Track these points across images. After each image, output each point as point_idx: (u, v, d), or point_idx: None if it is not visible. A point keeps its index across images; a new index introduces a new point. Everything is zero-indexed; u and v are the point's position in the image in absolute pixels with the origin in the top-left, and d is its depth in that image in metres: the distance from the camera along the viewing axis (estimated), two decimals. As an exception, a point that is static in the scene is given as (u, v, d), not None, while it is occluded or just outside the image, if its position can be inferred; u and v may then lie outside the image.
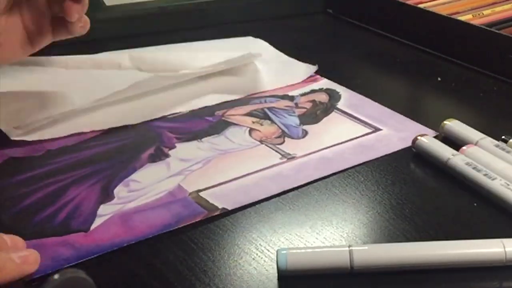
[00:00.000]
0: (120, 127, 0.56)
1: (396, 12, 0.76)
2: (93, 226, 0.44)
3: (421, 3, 0.76)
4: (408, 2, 0.75)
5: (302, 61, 0.68)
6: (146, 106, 0.59)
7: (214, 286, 0.39)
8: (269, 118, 0.58)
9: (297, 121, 0.57)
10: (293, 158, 0.52)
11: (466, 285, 0.39)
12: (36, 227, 0.44)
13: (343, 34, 0.65)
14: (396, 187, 0.48)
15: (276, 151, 0.53)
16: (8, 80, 0.60)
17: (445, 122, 0.54)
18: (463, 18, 0.71)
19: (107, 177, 0.49)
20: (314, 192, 0.48)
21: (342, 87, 0.63)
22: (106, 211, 0.46)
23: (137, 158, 0.52)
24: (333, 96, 0.62)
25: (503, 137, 0.52)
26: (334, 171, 0.50)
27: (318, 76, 0.66)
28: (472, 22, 0.69)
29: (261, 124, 0.57)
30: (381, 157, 0.52)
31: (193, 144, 0.54)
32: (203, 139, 0.55)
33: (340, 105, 0.60)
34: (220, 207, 0.46)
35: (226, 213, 0.45)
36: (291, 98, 0.61)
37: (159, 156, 0.52)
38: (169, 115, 0.59)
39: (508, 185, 0.45)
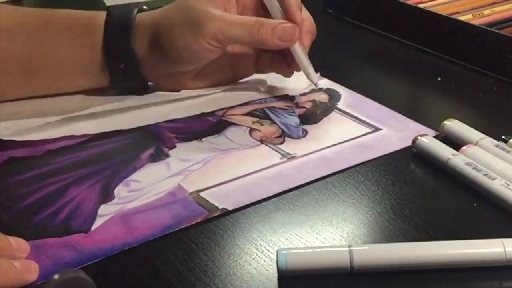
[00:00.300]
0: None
1: (396, 12, 0.76)
2: (93, 227, 0.44)
3: (421, 3, 0.76)
4: (408, 2, 0.75)
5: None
6: (146, 113, 0.58)
7: (214, 286, 0.39)
8: (269, 118, 0.58)
9: (297, 121, 0.57)
10: (293, 158, 0.52)
11: (466, 285, 0.39)
12: (36, 227, 0.44)
13: (343, 34, 0.65)
14: (396, 187, 0.48)
15: (276, 151, 0.53)
16: None
17: (445, 122, 0.54)
18: (463, 18, 0.71)
19: (107, 177, 0.49)
20: (314, 192, 0.48)
21: (342, 87, 0.63)
22: (106, 211, 0.46)
23: (137, 158, 0.52)
24: (333, 96, 0.62)
25: (503, 137, 0.52)
26: (334, 171, 0.50)
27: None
28: (472, 22, 0.69)
29: (261, 124, 0.57)
30: (381, 157, 0.52)
31: (193, 144, 0.54)
32: (203, 139, 0.55)
33: (340, 105, 0.60)
34: (220, 207, 0.46)
35: (226, 213, 0.45)
36: (291, 98, 0.61)
37: (159, 156, 0.52)
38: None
39: (508, 185, 0.45)
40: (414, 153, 0.52)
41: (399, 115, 0.58)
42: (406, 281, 0.39)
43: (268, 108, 0.59)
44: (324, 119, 0.58)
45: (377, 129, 0.56)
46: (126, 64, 0.57)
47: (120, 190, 0.48)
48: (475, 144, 0.51)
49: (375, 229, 0.44)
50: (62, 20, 0.58)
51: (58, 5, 0.59)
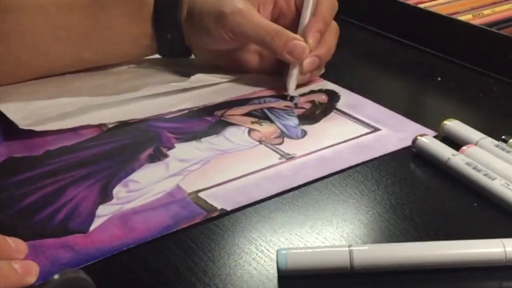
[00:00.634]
0: (119, 127, 0.56)
1: (396, 12, 0.76)
2: (92, 227, 0.44)
3: (421, 3, 0.76)
4: (408, 2, 0.75)
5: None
6: (159, 102, 0.60)
7: (214, 286, 0.39)
8: (268, 118, 0.58)
9: (296, 121, 0.57)
10: (292, 158, 0.52)
11: (466, 285, 0.39)
12: (35, 228, 0.44)
13: (343, 34, 0.64)
14: (396, 187, 0.48)
15: (275, 151, 0.53)
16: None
17: (445, 122, 0.54)
18: (463, 18, 0.71)
19: (106, 177, 0.49)
20: (314, 192, 0.48)
21: (341, 88, 0.63)
22: (105, 211, 0.45)
23: (136, 158, 0.52)
24: (333, 97, 0.62)
25: (503, 137, 0.52)
26: (333, 171, 0.50)
27: (317, 77, 0.66)
28: (472, 22, 0.69)
29: (260, 124, 0.57)
30: (381, 157, 0.52)
31: (192, 144, 0.54)
32: (202, 139, 0.55)
33: (339, 105, 0.60)
34: (219, 207, 0.46)
35: (225, 213, 0.45)
36: (291, 99, 0.61)
37: (158, 156, 0.52)
38: (170, 113, 0.59)
39: (508, 185, 0.45)
40: (414, 153, 0.52)
41: (399, 115, 0.58)
42: (406, 281, 0.39)
43: (267, 108, 0.59)
44: (323, 119, 0.58)
45: (376, 130, 0.56)
46: (173, 34, 0.62)
47: (118, 191, 0.48)
48: (475, 144, 0.51)
49: (375, 229, 0.44)
50: None
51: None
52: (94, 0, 0.61)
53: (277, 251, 0.40)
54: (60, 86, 0.62)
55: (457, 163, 0.48)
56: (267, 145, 0.54)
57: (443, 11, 0.72)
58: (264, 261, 0.41)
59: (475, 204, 0.46)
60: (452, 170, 0.49)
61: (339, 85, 0.64)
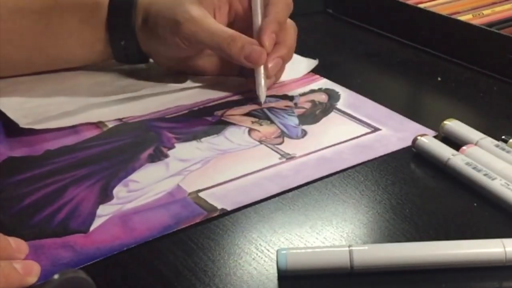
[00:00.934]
0: (119, 127, 0.56)
1: (396, 12, 0.76)
2: (92, 227, 0.44)
3: (421, 3, 0.76)
4: (408, 2, 0.75)
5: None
6: (158, 100, 0.61)
7: (214, 286, 0.39)
8: (269, 118, 0.58)
9: (296, 121, 0.57)
10: (292, 158, 0.52)
11: (466, 285, 0.39)
12: (35, 228, 0.44)
13: (343, 34, 0.65)
14: (396, 187, 0.48)
15: (275, 151, 0.53)
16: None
17: (445, 122, 0.54)
18: (463, 18, 0.71)
19: (106, 177, 0.49)
20: (314, 192, 0.48)
21: (341, 87, 0.63)
22: (105, 211, 0.46)
23: (136, 158, 0.52)
24: (333, 96, 0.62)
25: (503, 137, 0.52)
26: (333, 171, 0.50)
27: (317, 76, 0.66)
28: (472, 22, 0.69)
29: (260, 124, 0.57)
30: (381, 157, 0.52)
31: (192, 144, 0.54)
32: (202, 139, 0.55)
33: (339, 105, 0.60)
34: (219, 207, 0.46)
35: (225, 213, 0.45)
36: (291, 98, 0.61)
37: (158, 156, 0.52)
38: (169, 110, 0.59)
39: (508, 185, 0.45)
40: (414, 153, 0.52)
41: (399, 115, 0.58)
42: (406, 281, 0.39)
43: (267, 108, 0.59)
44: (323, 119, 0.58)
45: (376, 129, 0.56)
46: (127, 40, 0.61)
47: (119, 191, 0.48)
48: (475, 144, 0.51)
49: (375, 229, 0.44)
50: (70, 0, 0.61)
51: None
52: (47, 6, 0.60)
53: (277, 251, 0.40)
54: (58, 84, 0.63)
55: (457, 163, 0.48)
56: (267, 145, 0.54)
57: (443, 11, 0.72)
58: (264, 261, 0.41)
59: (475, 204, 0.46)
60: (452, 170, 0.49)
61: (339, 84, 0.64)
